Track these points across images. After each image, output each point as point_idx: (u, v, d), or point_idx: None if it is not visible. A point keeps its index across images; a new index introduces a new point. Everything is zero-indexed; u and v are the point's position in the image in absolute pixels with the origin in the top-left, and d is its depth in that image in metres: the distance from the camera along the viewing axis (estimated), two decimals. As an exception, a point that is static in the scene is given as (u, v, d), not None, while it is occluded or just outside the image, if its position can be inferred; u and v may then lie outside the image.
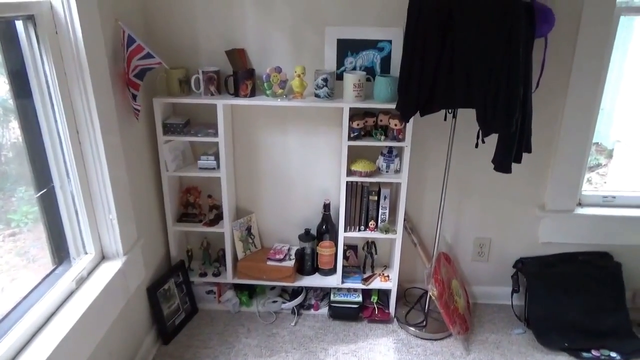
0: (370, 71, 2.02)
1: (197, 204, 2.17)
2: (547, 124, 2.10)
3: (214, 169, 2.05)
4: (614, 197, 2.28)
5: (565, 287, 2.23)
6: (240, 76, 1.96)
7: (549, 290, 2.23)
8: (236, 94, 1.97)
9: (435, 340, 2.14)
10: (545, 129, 2.10)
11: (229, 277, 2.19)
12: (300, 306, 2.26)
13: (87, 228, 1.60)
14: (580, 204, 2.27)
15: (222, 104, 1.95)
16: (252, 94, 1.99)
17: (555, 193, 2.20)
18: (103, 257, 1.69)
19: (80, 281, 1.54)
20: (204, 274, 2.20)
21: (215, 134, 1.99)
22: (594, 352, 2.08)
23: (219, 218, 2.14)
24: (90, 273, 1.60)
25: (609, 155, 5.25)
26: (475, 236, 2.32)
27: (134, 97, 1.75)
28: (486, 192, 2.23)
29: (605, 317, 2.20)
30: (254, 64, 2.04)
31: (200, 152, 2.10)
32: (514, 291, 2.32)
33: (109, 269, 1.62)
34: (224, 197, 2.07)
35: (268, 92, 1.96)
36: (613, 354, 2.07)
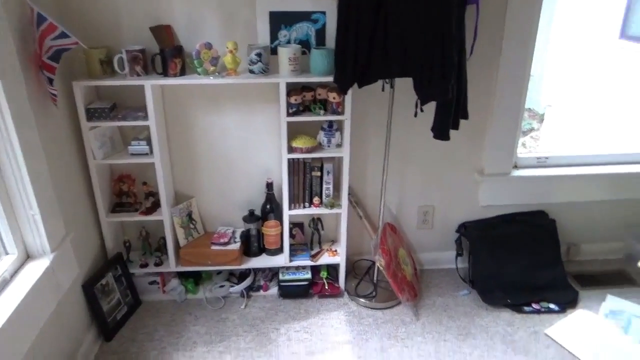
0: (305, 44, 1.96)
1: (131, 193, 2.06)
2: (483, 90, 2.13)
3: (146, 154, 1.94)
4: (547, 157, 2.37)
5: (506, 247, 2.32)
6: (167, 54, 1.84)
7: (490, 252, 2.31)
8: (165, 74, 1.86)
9: (386, 309, 2.17)
10: (480, 95, 2.14)
11: (171, 266, 2.10)
12: (249, 288, 2.22)
13: (7, 227, 1.47)
14: (516, 167, 2.35)
15: (150, 84, 1.83)
16: (183, 72, 1.88)
17: (492, 157, 2.25)
18: (28, 257, 1.56)
19: (3, 284, 1.42)
20: (145, 265, 2.11)
21: (145, 117, 1.87)
22: (534, 305, 2.19)
23: (156, 205, 2.04)
24: (13, 275, 1.47)
25: (541, 119, 5.49)
26: (419, 204, 2.35)
27: (50, 81, 1.60)
28: (427, 160, 2.26)
29: (543, 272, 2.31)
30: (182, 40, 1.93)
31: (130, 137, 1.97)
32: (458, 255, 2.39)
33: (35, 269, 1.50)
34: (159, 183, 1.97)
35: (199, 70, 1.86)
36: (551, 305, 2.18)
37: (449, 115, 1.74)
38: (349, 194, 2.16)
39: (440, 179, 2.30)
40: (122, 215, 2.02)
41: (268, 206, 2.13)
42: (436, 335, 2.03)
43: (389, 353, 1.93)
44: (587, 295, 2.27)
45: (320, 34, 1.96)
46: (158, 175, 1.95)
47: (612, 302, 2.21)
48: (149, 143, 1.93)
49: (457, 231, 2.40)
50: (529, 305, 2.19)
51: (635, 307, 2.17)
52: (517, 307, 2.18)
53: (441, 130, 1.76)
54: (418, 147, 2.22)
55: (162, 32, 1.90)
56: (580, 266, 2.49)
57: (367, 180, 2.27)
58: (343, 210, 2.09)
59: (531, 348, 1.96)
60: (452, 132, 1.80)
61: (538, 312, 2.16)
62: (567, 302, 2.21)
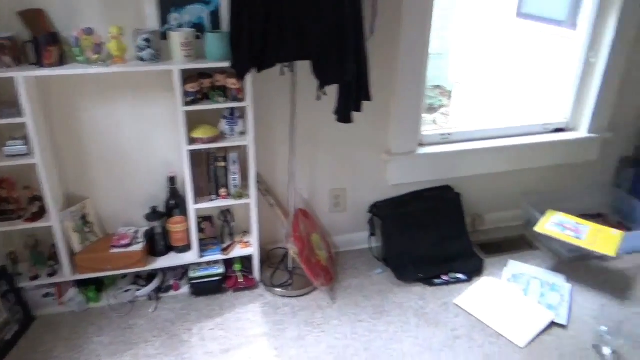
0: (199, 28, 1.84)
1: (12, 198, 1.85)
2: (385, 69, 2.14)
3: (25, 154, 1.74)
4: (450, 134, 2.45)
5: (416, 223, 2.38)
6: (41, 42, 1.65)
7: (401, 229, 2.36)
8: (39, 64, 1.66)
9: (302, 296, 2.15)
10: (383, 75, 2.14)
11: (67, 275, 1.93)
12: (158, 290, 2.11)
13: None
14: (422, 144, 2.40)
15: (23, 76, 1.63)
16: (62, 62, 1.70)
17: (398, 137, 2.28)
18: None
19: None
20: (35, 277, 1.91)
21: (20, 114, 1.68)
22: (444, 277, 2.27)
23: (43, 211, 1.85)
24: None
25: (450, 96, 5.70)
26: (331, 188, 2.34)
27: None
28: (336, 143, 2.24)
29: (451, 244, 2.41)
30: (59, 26, 1.73)
31: (5, 137, 1.76)
32: (371, 235, 2.43)
33: None
34: (44, 186, 1.78)
35: (80, 58, 1.69)
36: (459, 276, 2.28)
37: (351, 98, 1.72)
38: (257, 182, 2.09)
39: (349, 161, 2.31)
40: (2, 224, 1.82)
41: (172, 202, 2.02)
42: (352, 316, 2.04)
43: (306, 340, 1.92)
44: (492, 262, 2.40)
45: (215, 17, 1.85)
46: (41, 177, 1.76)
47: (513, 266, 2.36)
48: (28, 142, 1.73)
49: (369, 212, 2.42)
50: (439, 277, 2.27)
51: (534, 269, 2.33)
52: (428, 281, 2.26)
53: (343, 114, 1.74)
54: (326, 130, 2.20)
55: (34, 17, 1.70)
56: (485, 235, 2.63)
57: (277, 167, 2.21)
58: (252, 200, 2.03)
59: (441, 319, 2.04)
60: (359, 114, 1.79)
61: (447, 283, 2.25)
62: (474, 271, 2.32)
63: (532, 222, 2.46)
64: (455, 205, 2.47)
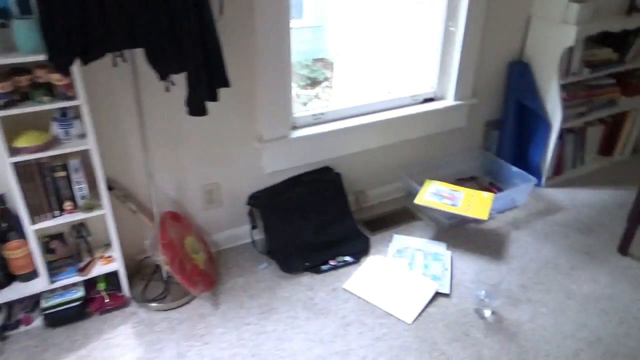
0: (4, 13, 1.50)
1: None
2: (243, 51, 1.96)
3: None
4: (322, 114, 2.35)
5: (298, 210, 2.28)
6: None
7: (283, 218, 2.24)
8: None
9: (181, 306, 1.96)
10: (242, 58, 1.96)
11: None
12: (4, 328, 1.78)
13: None
14: (295, 127, 2.28)
15: None
16: None
17: (268, 122, 2.13)
18: None
19: None
20: None
21: None
22: (331, 262, 2.21)
23: None
24: None
25: (333, 68, 5.61)
26: (202, 184, 2.14)
27: None
28: (201, 136, 2.04)
29: (336, 226, 2.34)
30: None
31: None
32: (253, 228, 2.28)
33: None
34: None
35: None
36: (347, 258, 2.23)
37: (201, 87, 1.52)
38: (112, 188, 1.83)
39: (219, 153, 2.11)
40: None
41: (3, 225, 1.69)
42: (238, 321, 1.90)
43: (188, 357, 1.74)
44: (378, 239, 2.38)
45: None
46: None
47: (398, 241, 2.36)
48: None
49: (247, 203, 2.27)
50: (326, 263, 2.20)
51: (417, 241, 2.35)
52: (315, 269, 2.18)
53: (195, 106, 1.54)
54: (187, 123, 1.98)
55: None
56: (370, 212, 2.61)
57: (134, 169, 1.96)
58: (106, 209, 1.77)
59: (331, 307, 1.97)
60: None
61: (335, 267, 2.19)
62: (361, 251, 2.28)
63: (412, 193, 2.48)
64: (336, 186, 2.41)
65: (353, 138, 2.41)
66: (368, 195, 2.64)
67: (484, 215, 2.25)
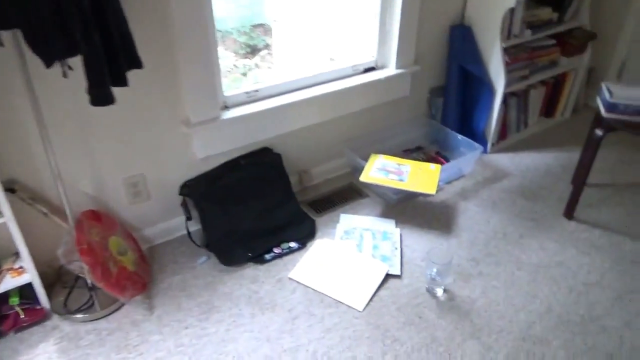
0: None
1: None
2: (157, 27, 1.72)
3: None
4: (256, 91, 2.16)
5: (236, 196, 2.10)
6: None
7: (220, 206, 2.07)
8: None
9: (110, 314, 1.77)
10: (157, 34, 1.73)
11: None
12: None
13: None
14: (226, 107, 2.08)
15: None
16: None
17: (195, 103, 1.92)
18: None
19: None
20: None
21: None
22: (276, 250, 2.07)
23: None
24: None
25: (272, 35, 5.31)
26: (124, 177, 1.92)
27: None
28: (119, 124, 1.80)
29: (279, 210, 2.19)
30: None
31: None
32: (187, 219, 2.09)
33: None
34: None
35: None
36: (292, 244, 2.09)
37: (102, 73, 1.30)
38: (13, 191, 1.59)
39: (142, 141, 1.89)
40: None
41: None
42: (176, 325, 1.73)
43: (119, 373, 1.57)
44: (324, 220, 2.26)
45: None
46: None
47: (345, 221, 2.25)
48: None
49: (180, 193, 2.07)
50: (270, 251, 2.06)
51: (364, 220, 2.24)
52: (259, 258, 2.03)
53: (98, 94, 1.32)
54: (100, 111, 1.73)
55: None
56: (315, 191, 2.47)
57: (39, 166, 1.71)
58: (6, 215, 1.53)
59: (278, 300, 1.84)
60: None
61: (280, 255, 2.05)
62: (306, 236, 2.15)
63: (358, 169, 2.36)
64: (277, 167, 2.24)
65: (292, 115, 2.24)
66: (312, 174, 2.49)
67: (432, 190, 2.16)
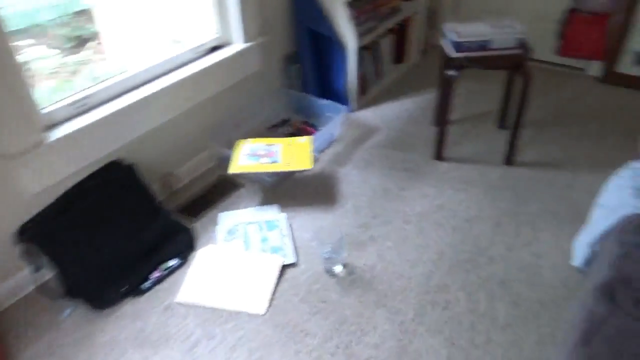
0: None
1: None
2: None
3: None
4: (87, 97, 1.83)
5: (91, 227, 1.80)
6: None
7: (74, 242, 1.75)
8: None
9: (-38, 416, 1.42)
10: None
11: None
12: None
13: None
14: (52, 126, 1.73)
15: None
16: None
17: (5, 130, 1.56)
18: None
19: None
20: None
21: None
22: (155, 274, 1.83)
23: None
24: None
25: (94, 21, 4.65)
26: None
27: None
28: None
29: (148, 229, 1.93)
30: None
31: None
32: (37, 270, 1.74)
33: None
34: None
35: None
36: (172, 262, 1.87)
37: None
38: None
39: (-57, 193, 1.49)
40: None
41: None
42: (52, 400, 1.45)
43: None
44: (203, 225, 2.05)
45: None
46: None
47: (225, 220, 2.06)
48: None
49: (19, 241, 1.71)
50: (147, 279, 1.81)
51: (246, 214, 2.08)
52: (136, 290, 1.78)
53: None
54: None
55: None
56: (185, 194, 2.23)
57: None
58: None
59: (170, 331, 1.63)
60: None
61: (161, 279, 1.82)
62: (186, 248, 1.93)
63: (226, 159, 2.17)
64: (131, 180, 1.96)
65: (138, 116, 1.95)
66: (178, 175, 2.25)
67: (308, 165, 2.06)
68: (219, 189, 2.25)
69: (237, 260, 1.85)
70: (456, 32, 2.04)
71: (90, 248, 1.77)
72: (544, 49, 2.98)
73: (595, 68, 2.88)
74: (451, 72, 2.05)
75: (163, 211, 2.01)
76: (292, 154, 2.12)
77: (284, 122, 2.66)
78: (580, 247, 1.68)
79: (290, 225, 2.01)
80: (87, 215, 1.79)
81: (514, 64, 2.02)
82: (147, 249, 1.89)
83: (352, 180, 2.23)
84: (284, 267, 1.82)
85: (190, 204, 2.17)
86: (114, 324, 1.66)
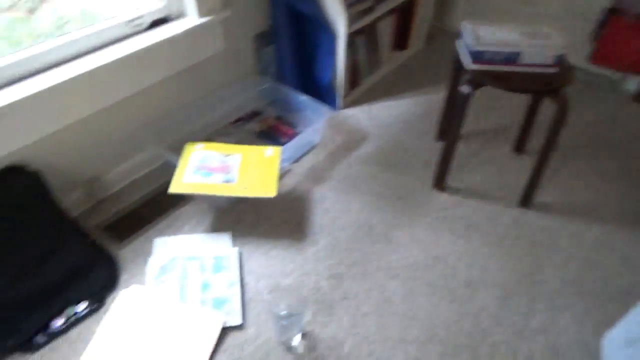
0: None
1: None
2: None
3: None
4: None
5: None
6: None
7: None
8: None
9: None
10: None
11: None
12: None
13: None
14: None
15: None
16: None
17: None
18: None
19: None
20: None
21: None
22: (57, 323, 1.38)
23: None
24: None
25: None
26: None
27: None
28: None
29: (54, 258, 1.47)
30: None
31: None
32: None
33: None
34: None
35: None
36: (81, 306, 1.42)
37: None
38: None
39: None
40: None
41: None
42: None
43: None
44: (131, 252, 1.59)
45: None
46: None
47: (161, 248, 1.61)
48: None
49: None
50: (45, 328, 1.37)
51: (187, 243, 1.62)
52: (28, 345, 1.34)
53: None
54: None
55: None
56: (115, 205, 1.76)
57: None
58: None
59: (59, 418, 1.20)
60: None
61: (64, 330, 1.38)
62: (103, 286, 1.48)
63: (169, 164, 1.69)
64: (35, 193, 1.47)
65: (49, 108, 1.45)
66: (106, 182, 1.76)
67: (271, 191, 1.59)
68: (158, 203, 1.77)
69: (166, 314, 1.40)
70: (476, 36, 1.55)
71: (-36, 290, 1.31)
72: (573, 52, 2.50)
73: (633, 83, 2.41)
74: (465, 89, 1.57)
75: (77, 232, 1.54)
76: (252, 171, 1.65)
77: (254, 116, 2.16)
78: (613, 349, 1.29)
79: (242, 267, 1.57)
80: (-37, 244, 1.32)
81: (548, 87, 1.54)
82: (49, 285, 1.43)
83: (329, 207, 1.78)
84: (226, 330, 1.39)
85: (119, 220, 1.70)
86: (-17, 404, 1.22)
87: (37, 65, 1.42)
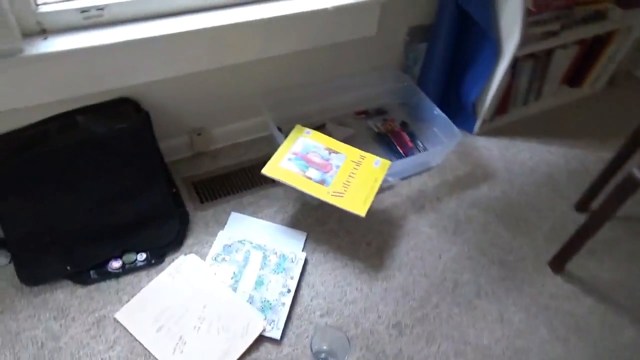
0: None
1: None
2: None
3: None
4: (101, 8, 1.30)
5: (59, 176, 1.36)
6: None
7: (27, 188, 1.33)
8: None
9: None
10: None
11: None
12: None
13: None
14: (45, 32, 1.25)
15: None
16: None
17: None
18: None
19: None
20: None
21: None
22: (114, 264, 1.39)
23: None
24: None
25: None
26: None
27: None
28: None
29: (132, 200, 1.46)
30: None
31: None
32: (-20, 202, 1.37)
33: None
34: None
35: None
36: (140, 257, 1.42)
37: None
38: None
39: None
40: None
41: None
42: None
43: None
44: (207, 218, 1.55)
45: None
46: None
47: (233, 225, 1.54)
48: None
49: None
50: (101, 266, 1.38)
51: (260, 228, 1.52)
52: (83, 276, 1.36)
53: None
54: None
55: None
56: (211, 163, 1.72)
57: None
58: None
59: (82, 358, 1.21)
60: None
61: (118, 274, 1.38)
62: (168, 243, 1.46)
63: (274, 140, 1.60)
64: (139, 131, 1.46)
65: (173, 54, 1.41)
66: (211, 136, 1.73)
67: (361, 210, 1.42)
68: (251, 175, 1.70)
69: (213, 298, 1.34)
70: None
71: (45, 202, 1.35)
72: None
73: None
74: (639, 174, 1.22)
75: (162, 182, 1.52)
76: (351, 179, 1.49)
77: (378, 113, 1.98)
78: None
79: (304, 273, 1.44)
80: (60, 159, 1.35)
81: None
82: (122, 226, 1.44)
83: (419, 244, 1.57)
84: (261, 337, 1.29)
85: (209, 180, 1.66)
86: (32, 311, 1.27)
87: (175, 6, 1.37)
